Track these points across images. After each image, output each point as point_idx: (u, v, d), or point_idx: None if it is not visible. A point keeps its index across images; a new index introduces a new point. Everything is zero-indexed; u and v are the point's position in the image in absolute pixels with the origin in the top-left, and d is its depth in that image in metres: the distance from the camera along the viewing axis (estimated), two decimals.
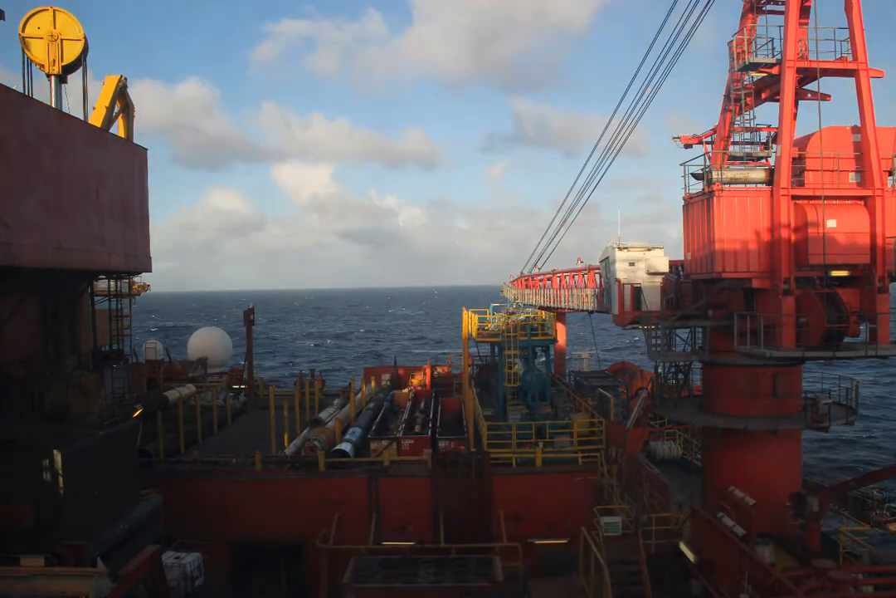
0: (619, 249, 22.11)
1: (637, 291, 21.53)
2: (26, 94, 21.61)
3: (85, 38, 24.57)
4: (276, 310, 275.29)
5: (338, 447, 24.87)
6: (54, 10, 24.19)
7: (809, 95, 20.07)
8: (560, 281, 32.84)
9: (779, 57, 19.27)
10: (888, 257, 18.66)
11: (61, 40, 24.09)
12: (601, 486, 22.53)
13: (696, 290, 21.32)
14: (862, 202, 19.05)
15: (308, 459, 24.12)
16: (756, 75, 20.38)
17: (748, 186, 19.36)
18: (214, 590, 20.69)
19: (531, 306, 36.92)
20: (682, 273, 22.11)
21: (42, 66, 24.22)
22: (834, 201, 18.90)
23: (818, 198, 18.62)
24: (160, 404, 28.50)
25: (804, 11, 19.27)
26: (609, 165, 27.67)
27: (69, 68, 24.74)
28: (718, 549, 16.59)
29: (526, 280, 40.71)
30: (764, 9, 20.48)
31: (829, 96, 19.93)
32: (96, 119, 26.20)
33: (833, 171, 19.00)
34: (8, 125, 17.60)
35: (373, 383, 39.06)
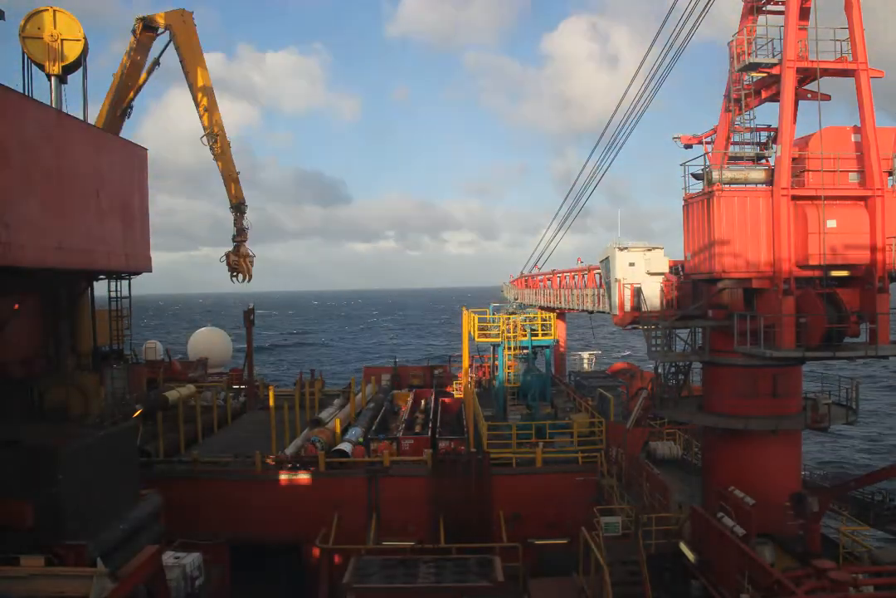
0: (620, 249, 22.13)
1: (637, 291, 21.55)
2: (26, 94, 21.60)
3: (85, 38, 24.56)
4: None
5: (338, 447, 24.87)
6: (54, 11, 24.18)
7: (809, 95, 20.07)
8: (560, 281, 32.88)
9: (779, 57, 19.26)
10: (888, 257, 18.66)
11: (61, 40, 24.07)
12: (601, 486, 22.54)
13: (696, 290, 21.31)
14: (862, 202, 19.04)
15: (308, 459, 24.12)
16: (756, 75, 20.38)
17: (748, 186, 19.37)
18: (214, 590, 20.68)
19: (531, 305, 36.96)
20: (682, 273, 22.12)
21: (42, 66, 24.21)
22: (834, 201, 18.89)
23: (818, 198, 18.62)
24: (160, 404, 28.51)
25: (804, 12, 19.25)
26: (609, 165, 27.78)
27: (69, 68, 24.73)
28: (718, 549, 16.58)
29: (526, 280, 40.77)
30: (764, 9, 20.48)
31: (829, 96, 19.93)
32: None
33: (833, 171, 19.00)
34: (8, 125, 17.60)
35: (373, 383, 39.08)
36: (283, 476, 23.19)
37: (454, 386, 38.86)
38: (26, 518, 14.83)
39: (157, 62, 32.42)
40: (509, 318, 31.38)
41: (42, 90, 24.34)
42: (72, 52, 24.33)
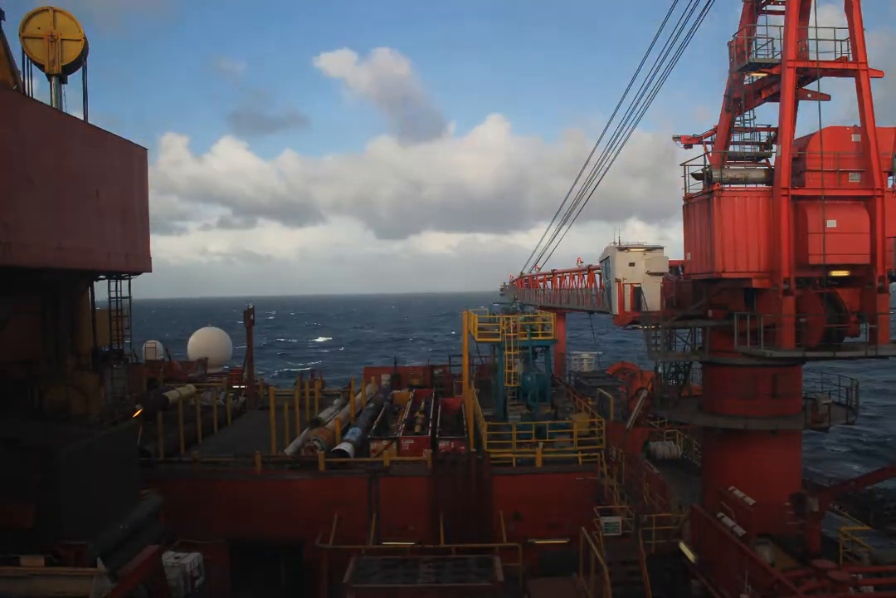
0: (620, 249, 22.16)
1: (637, 291, 21.57)
2: (26, 94, 21.59)
3: (85, 38, 24.53)
4: None
5: (338, 447, 24.87)
6: (54, 11, 24.14)
7: (809, 95, 20.07)
8: (560, 281, 32.91)
9: (779, 57, 19.27)
10: (888, 257, 18.66)
11: (61, 40, 24.03)
12: (601, 486, 22.53)
13: (696, 290, 21.32)
14: (862, 202, 19.05)
15: (308, 459, 24.11)
16: (756, 75, 20.39)
17: (748, 185, 19.38)
18: (214, 590, 20.67)
19: (531, 305, 36.98)
20: (682, 273, 22.13)
21: (42, 66, 24.19)
22: (834, 201, 18.90)
23: (818, 198, 18.62)
24: (160, 404, 28.50)
25: (804, 12, 19.27)
26: (611, 164, 27.82)
27: (69, 68, 24.71)
28: (718, 549, 16.59)
29: (526, 280, 40.81)
30: (764, 9, 20.49)
31: (829, 96, 19.94)
32: None
33: (833, 171, 19.01)
34: (8, 125, 17.59)
35: (373, 383, 39.06)
36: (283, 476, 23.21)
37: (455, 391, 38.50)
38: (26, 518, 14.82)
39: None
40: (509, 318, 31.36)
41: (42, 90, 24.32)
42: (72, 52, 24.30)
